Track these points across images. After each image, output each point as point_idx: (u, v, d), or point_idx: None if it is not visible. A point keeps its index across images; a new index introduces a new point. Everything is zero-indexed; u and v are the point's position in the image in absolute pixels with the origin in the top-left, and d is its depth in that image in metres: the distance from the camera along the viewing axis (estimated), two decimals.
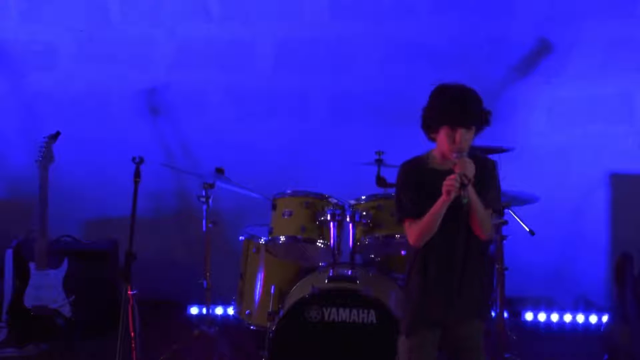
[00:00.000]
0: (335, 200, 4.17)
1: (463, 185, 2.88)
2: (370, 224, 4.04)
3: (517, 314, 5.20)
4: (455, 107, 2.98)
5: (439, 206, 2.96)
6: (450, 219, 2.98)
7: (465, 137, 2.98)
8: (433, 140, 3.08)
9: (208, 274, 4.58)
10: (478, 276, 3.12)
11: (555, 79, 5.20)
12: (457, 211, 2.96)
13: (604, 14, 5.09)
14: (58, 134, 4.72)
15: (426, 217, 3.00)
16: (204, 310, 4.67)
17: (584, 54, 5.15)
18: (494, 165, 3.15)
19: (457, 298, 3.07)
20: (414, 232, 3.07)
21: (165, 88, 5.46)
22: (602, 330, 4.36)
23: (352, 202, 4.15)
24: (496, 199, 3.14)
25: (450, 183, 2.89)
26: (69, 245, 5.16)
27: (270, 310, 4.15)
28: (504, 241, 4.25)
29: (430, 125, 3.05)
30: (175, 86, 5.46)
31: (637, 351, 3.93)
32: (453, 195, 2.89)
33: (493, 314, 4.35)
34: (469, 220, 3.01)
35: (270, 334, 3.85)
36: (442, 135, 3.01)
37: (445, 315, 3.09)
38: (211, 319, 4.63)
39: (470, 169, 2.91)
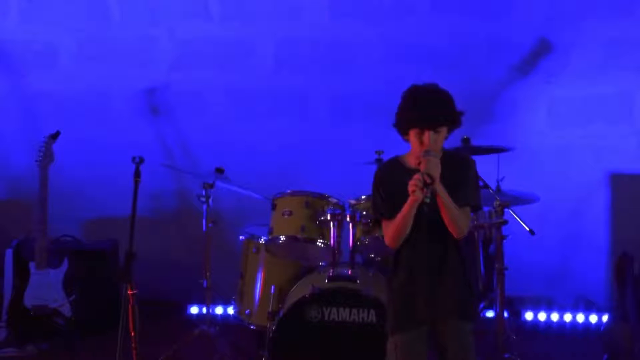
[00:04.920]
0: (335, 200, 4.17)
1: (426, 184, 2.89)
2: (370, 224, 4.04)
3: (517, 314, 5.20)
4: (423, 110, 3.01)
5: (409, 206, 2.98)
6: (426, 218, 3.01)
7: (434, 138, 3.01)
8: (407, 141, 3.11)
9: (208, 274, 4.58)
10: (458, 275, 3.13)
11: (555, 79, 5.20)
12: (433, 210, 2.98)
13: (603, 14, 5.09)
14: (58, 133, 4.72)
15: (398, 218, 3.03)
16: (204, 310, 4.68)
17: (584, 54, 5.15)
18: (471, 164, 3.16)
19: (438, 297, 3.08)
20: (389, 232, 3.10)
21: (165, 88, 5.47)
22: (602, 330, 4.36)
23: (352, 201, 4.15)
24: (473, 197, 3.14)
25: (413, 182, 2.90)
26: (69, 245, 5.16)
27: (270, 310, 4.15)
28: (504, 241, 4.25)
29: (401, 127, 3.08)
30: (175, 86, 5.47)
31: (637, 351, 3.93)
32: (419, 194, 2.90)
33: (492, 314, 4.34)
34: (444, 219, 3.02)
35: (270, 334, 3.86)
36: (412, 137, 3.04)
37: (428, 314, 3.09)
38: (211, 318, 4.64)
39: (434, 168, 2.92)
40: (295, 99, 5.44)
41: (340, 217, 4.06)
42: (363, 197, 4.12)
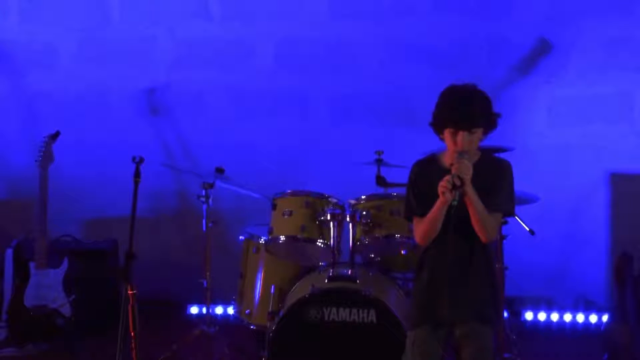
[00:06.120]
0: (335, 200, 4.16)
1: (455, 187, 2.88)
2: (370, 224, 4.04)
3: (517, 314, 5.20)
4: (457, 110, 2.99)
5: (438, 207, 2.97)
6: (454, 219, 2.98)
7: (468, 139, 2.99)
8: (443, 140, 3.09)
9: (208, 273, 4.58)
10: (482, 277, 3.11)
11: (555, 78, 5.21)
12: (463, 212, 2.97)
13: (603, 14, 5.10)
14: (58, 133, 4.72)
15: (428, 217, 3.03)
16: (204, 310, 4.68)
17: (584, 54, 5.16)
18: (507, 167, 3.13)
19: (460, 298, 3.06)
20: (419, 230, 3.10)
21: (165, 88, 5.47)
22: (602, 330, 4.36)
23: (352, 201, 4.15)
24: (506, 201, 3.11)
25: (443, 184, 2.90)
26: (69, 245, 5.16)
27: (270, 309, 4.15)
28: (504, 241, 4.25)
29: (436, 126, 3.07)
30: (175, 86, 5.47)
31: (637, 351, 3.93)
32: (449, 196, 2.89)
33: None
34: (472, 222, 3.00)
35: (270, 334, 3.85)
36: (447, 136, 3.03)
37: (449, 314, 3.07)
38: (211, 318, 4.64)
39: (465, 171, 2.90)
40: (295, 99, 5.44)
41: (340, 217, 4.05)
42: (363, 197, 4.12)
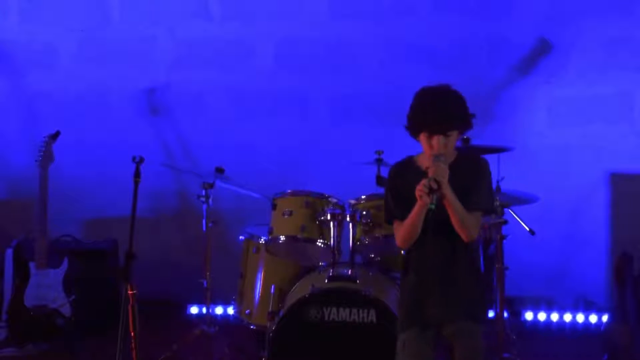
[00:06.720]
0: (335, 200, 4.16)
1: (432, 190, 2.88)
2: (370, 224, 4.04)
3: (517, 314, 5.20)
4: (431, 114, 2.99)
5: (416, 211, 2.98)
6: (433, 221, 2.99)
7: (444, 142, 3.00)
8: (419, 142, 3.10)
9: (208, 273, 4.58)
10: (466, 276, 3.12)
11: (555, 78, 5.21)
12: (443, 213, 2.97)
13: (603, 14, 5.10)
14: (58, 133, 4.72)
15: (407, 221, 3.04)
16: (204, 310, 4.68)
17: (584, 54, 5.16)
18: (484, 165, 3.14)
19: (445, 299, 3.07)
20: (399, 234, 3.12)
21: (165, 88, 5.47)
22: (602, 330, 4.36)
23: (352, 201, 4.14)
24: (486, 199, 3.12)
25: (420, 187, 2.90)
26: (69, 245, 5.16)
27: (270, 309, 4.15)
28: (504, 241, 4.25)
29: (411, 129, 3.08)
30: (175, 86, 5.47)
31: (637, 351, 3.93)
32: (426, 199, 2.89)
33: (492, 314, 4.34)
34: (452, 223, 3.01)
35: (270, 334, 3.85)
36: (422, 140, 3.04)
37: (436, 315, 3.09)
38: (211, 318, 4.63)
39: (442, 174, 2.91)
40: (295, 99, 5.44)
41: (340, 217, 4.05)
42: (363, 197, 4.12)
